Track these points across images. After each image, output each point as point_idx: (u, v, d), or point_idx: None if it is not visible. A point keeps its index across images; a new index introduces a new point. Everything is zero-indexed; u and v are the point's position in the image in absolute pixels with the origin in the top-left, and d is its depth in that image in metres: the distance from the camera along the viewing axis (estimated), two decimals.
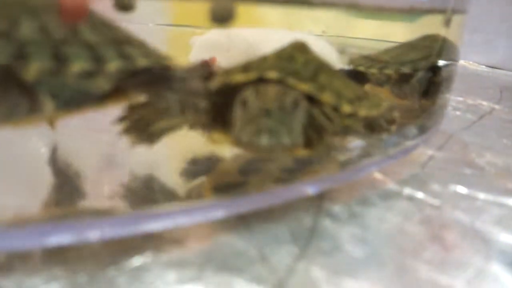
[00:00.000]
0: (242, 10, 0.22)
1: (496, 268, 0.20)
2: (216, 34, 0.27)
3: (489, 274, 0.20)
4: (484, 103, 0.48)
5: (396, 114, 0.26)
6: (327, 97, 0.21)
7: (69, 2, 0.15)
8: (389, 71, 0.31)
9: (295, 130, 0.20)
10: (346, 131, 0.23)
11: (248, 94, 0.20)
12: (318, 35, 0.32)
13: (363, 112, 0.23)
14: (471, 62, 0.68)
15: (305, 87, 0.21)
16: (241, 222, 0.21)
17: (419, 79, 0.30)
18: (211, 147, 0.23)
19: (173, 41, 0.42)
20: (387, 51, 0.32)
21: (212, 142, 0.22)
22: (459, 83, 0.52)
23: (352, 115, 0.23)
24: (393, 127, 0.25)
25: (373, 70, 0.31)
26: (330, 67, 0.24)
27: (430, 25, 0.30)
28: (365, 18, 0.31)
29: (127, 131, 0.22)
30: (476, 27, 0.67)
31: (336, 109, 0.22)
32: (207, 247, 0.19)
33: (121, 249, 0.19)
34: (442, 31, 0.29)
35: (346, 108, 0.22)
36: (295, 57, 0.22)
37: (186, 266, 0.18)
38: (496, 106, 0.47)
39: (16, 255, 0.18)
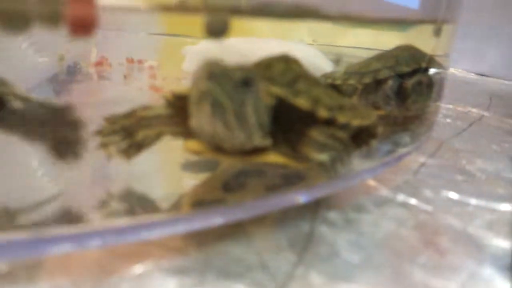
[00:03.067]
0: (235, 21, 0.22)
1: (489, 272, 0.21)
2: (209, 44, 0.28)
3: (482, 277, 0.20)
4: (474, 110, 0.48)
5: (379, 129, 0.26)
6: (301, 102, 0.22)
7: (77, 16, 0.15)
8: (351, 82, 0.31)
9: (244, 108, 0.20)
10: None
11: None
12: (309, 44, 0.33)
13: (342, 119, 0.23)
14: (460, 70, 0.69)
15: (278, 90, 0.21)
16: (239, 230, 0.22)
17: (390, 87, 0.30)
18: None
19: (165, 50, 0.42)
20: (359, 62, 0.33)
21: (187, 150, 0.22)
22: (449, 91, 0.53)
23: (345, 126, 0.23)
24: (374, 142, 0.26)
25: (338, 82, 0.32)
26: (314, 78, 0.24)
27: (420, 35, 0.30)
28: (357, 27, 0.31)
29: (105, 145, 0.22)
30: (465, 35, 0.68)
31: (330, 122, 0.22)
32: (206, 254, 0.20)
33: (123, 257, 0.19)
34: (432, 41, 0.30)
35: (323, 113, 0.22)
36: (274, 65, 0.23)
37: (187, 273, 0.18)
38: (486, 113, 0.48)
39: (19, 264, 0.18)
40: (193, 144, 0.21)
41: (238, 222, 0.22)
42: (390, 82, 0.31)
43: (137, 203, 0.22)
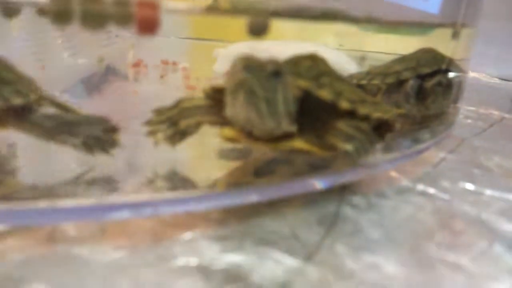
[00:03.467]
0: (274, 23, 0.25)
1: (498, 250, 0.23)
2: (239, 47, 0.30)
3: (492, 254, 0.23)
4: (495, 112, 0.50)
5: (397, 124, 0.28)
6: (324, 93, 0.24)
7: (143, 17, 0.18)
8: (375, 82, 0.34)
9: (277, 104, 0.22)
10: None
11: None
12: (336, 48, 0.35)
13: (363, 110, 0.25)
14: (484, 75, 0.70)
15: (303, 83, 0.24)
16: (274, 209, 0.24)
17: (411, 87, 0.33)
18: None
19: (194, 54, 0.45)
20: (382, 64, 0.35)
21: (223, 137, 0.25)
22: (472, 94, 0.55)
23: (366, 118, 0.26)
24: (390, 136, 0.28)
25: (363, 82, 0.34)
26: (338, 75, 0.26)
27: (439, 39, 0.33)
28: (381, 33, 0.34)
29: (153, 133, 0.26)
30: (489, 41, 0.70)
31: (353, 113, 0.25)
32: (245, 226, 0.22)
33: (173, 226, 0.22)
34: (450, 44, 0.32)
35: (344, 105, 0.24)
36: (301, 62, 0.25)
37: (229, 239, 0.21)
38: (507, 115, 0.49)
39: (85, 227, 0.21)
40: (228, 132, 0.24)
41: (272, 203, 0.24)
42: (411, 82, 0.33)
43: (179, 182, 0.25)
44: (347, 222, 0.24)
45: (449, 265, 0.21)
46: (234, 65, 0.21)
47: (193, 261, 0.20)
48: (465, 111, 0.49)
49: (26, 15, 0.35)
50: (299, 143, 0.24)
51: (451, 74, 0.35)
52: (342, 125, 0.25)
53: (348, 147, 0.24)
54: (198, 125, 0.26)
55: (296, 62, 0.25)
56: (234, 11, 0.24)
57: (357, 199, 0.27)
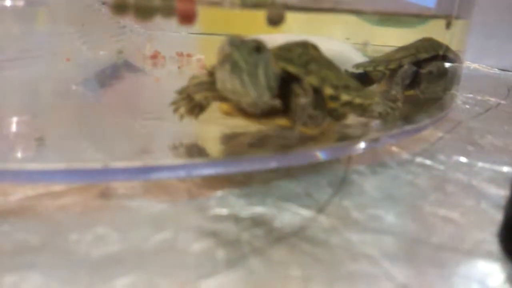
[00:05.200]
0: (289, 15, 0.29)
1: (484, 206, 0.27)
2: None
3: (479, 210, 0.26)
4: (492, 99, 0.54)
5: (394, 92, 0.32)
6: (311, 79, 0.28)
7: (183, 9, 0.23)
8: (380, 68, 0.38)
9: (259, 74, 0.25)
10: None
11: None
12: (343, 41, 0.39)
13: (345, 97, 0.29)
14: (484, 66, 0.74)
15: (292, 68, 0.27)
16: (289, 174, 0.28)
17: (404, 72, 0.37)
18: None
19: (205, 47, 0.49)
20: (386, 53, 0.39)
21: (220, 111, 0.29)
22: (471, 83, 0.58)
23: (348, 103, 0.29)
24: (399, 103, 0.32)
25: (369, 69, 0.38)
26: (327, 60, 0.30)
27: (434, 29, 0.37)
28: (384, 27, 0.38)
29: (176, 109, 0.29)
30: (490, 35, 0.73)
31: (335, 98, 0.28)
32: (265, 187, 0.26)
33: (204, 187, 0.26)
34: (445, 35, 0.36)
35: (328, 91, 0.28)
36: (293, 49, 0.29)
37: (252, 196, 0.25)
38: (503, 102, 0.53)
39: (131, 187, 0.25)
40: (224, 106, 0.28)
41: (288, 169, 0.28)
42: (406, 67, 0.37)
43: (194, 150, 0.29)
44: (353, 185, 0.28)
45: (440, 218, 0.25)
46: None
47: (224, 211, 0.23)
48: (464, 98, 0.53)
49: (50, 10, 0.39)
50: (283, 121, 0.28)
51: (447, 64, 0.39)
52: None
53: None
54: (207, 99, 0.29)
55: (288, 49, 0.29)
56: (254, 5, 0.28)
57: (362, 168, 0.30)
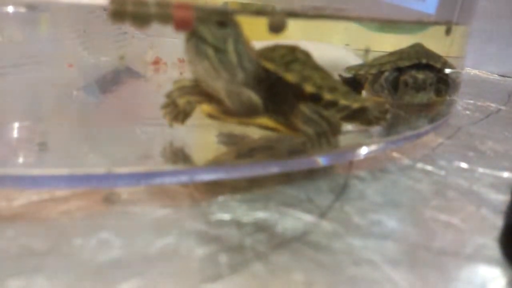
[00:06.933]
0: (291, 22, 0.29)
1: (485, 212, 0.27)
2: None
3: (479, 215, 0.26)
4: (492, 105, 0.54)
5: (387, 106, 0.32)
6: (290, 77, 0.27)
7: (179, 16, 0.23)
8: (362, 72, 0.38)
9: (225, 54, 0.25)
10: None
11: None
12: (342, 47, 0.39)
13: (328, 96, 0.28)
14: (484, 72, 0.74)
15: (271, 66, 0.27)
16: (291, 179, 0.28)
17: (385, 78, 0.37)
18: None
19: None
20: (376, 58, 0.40)
21: (203, 113, 0.29)
22: (471, 89, 0.59)
23: (333, 104, 0.28)
24: (387, 115, 0.32)
25: (353, 72, 0.38)
26: (317, 66, 0.29)
27: (434, 35, 0.37)
28: (382, 32, 0.38)
29: (164, 115, 0.29)
30: (490, 41, 0.74)
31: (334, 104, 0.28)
32: (267, 192, 0.27)
33: (206, 193, 0.26)
34: (445, 40, 0.36)
35: (309, 88, 0.27)
36: (277, 49, 0.28)
37: (255, 201, 0.25)
38: (503, 107, 0.53)
39: (135, 192, 0.25)
40: (206, 108, 0.28)
41: (290, 174, 0.28)
42: (386, 74, 0.37)
43: (181, 157, 0.29)
44: (354, 190, 0.28)
45: (441, 223, 0.25)
46: None
47: (226, 216, 0.24)
48: (464, 104, 0.53)
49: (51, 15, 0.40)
50: (266, 121, 0.28)
51: (442, 70, 0.39)
52: (303, 107, 0.28)
53: (308, 129, 0.28)
54: (190, 104, 0.28)
55: (272, 49, 0.28)
56: (256, 12, 0.28)
57: (363, 173, 0.31)
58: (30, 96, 0.37)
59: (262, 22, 0.28)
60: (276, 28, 0.28)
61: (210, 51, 0.25)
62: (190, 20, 0.24)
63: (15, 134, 0.30)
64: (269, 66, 0.27)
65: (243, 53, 0.26)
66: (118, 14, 0.23)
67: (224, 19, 0.25)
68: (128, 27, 0.46)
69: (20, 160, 0.27)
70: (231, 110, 0.27)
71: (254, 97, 0.26)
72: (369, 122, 0.32)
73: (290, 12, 0.27)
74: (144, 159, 0.28)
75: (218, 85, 0.26)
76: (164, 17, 0.24)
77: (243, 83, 0.26)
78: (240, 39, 0.25)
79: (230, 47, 0.25)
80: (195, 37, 0.24)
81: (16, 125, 0.32)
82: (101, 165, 0.24)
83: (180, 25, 0.24)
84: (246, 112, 0.27)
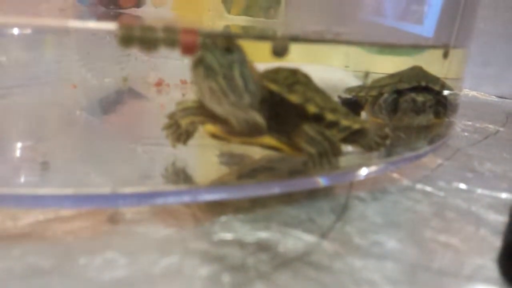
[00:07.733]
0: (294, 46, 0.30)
1: (484, 233, 0.27)
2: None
3: (478, 236, 0.27)
4: (491, 126, 0.55)
5: (387, 130, 0.33)
6: (294, 98, 0.28)
7: (185, 41, 0.24)
8: (362, 94, 0.39)
9: (233, 77, 0.25)
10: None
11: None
12: (342, 69, 0.40)
13: (330, 117, 0.28)
14: (482, 93, 0.75)
15: (275, 87, 0.28)
16: (292, 200, 0.29)
17: (384, 100, 0.38)
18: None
19: None
20: (377, 79, 0.40)
21: (206, 133, 0.29)
22: (470, 111, 0.60)
23: (334, 125, 0.29)
24: (387, 141, 0.32)
25: (353, 93, 0.39)
26: (318, 88, 0.30)
27: (431, 58, 0.38)
28: (381, 55, 0.39)
29: (167, 136, 0.30)
30: (487, 62, 0.75)
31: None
32: (269, 212, 0.27)
33: (209, 213, 0.26)
34: (442, 63, 0.37)
35: (312, 109, 0.28)
36: (280, 71, 0.29)
37: (257, 222, 0.26)
38: (501, 129, 0.54)
39: (138, 212, 0.26)
40: (209, 128, 0.29)
41: (291, 195, 0.29)
42: (385, 96, 0.38)
43: (183, 177, 0.30)
44: (355, 210, 0.28)
45: (440, 243, 0.25)
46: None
47: (229, 236, 0.24)
48: (463, 125, 0.53)
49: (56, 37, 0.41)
50: (269, 140, 0.28)
51: (441, 92, 0.40)
52: (307, 127, 0.28)
53: (311, 149, 0.28)
54: (193, 124, 0.29)
55: (275, 71, 0.29)
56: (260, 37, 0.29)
57: (363, 194, 0.31)
58: (34, 116, 0.38)
59: (264, 46, 0.29)
60: (280, 52, 0.28)
61: (218, 78, 0.25)
62: (196, 44, 0.25)
63: (18, 153, 0.31)
64: (273, 87, 0.28)
65: (248, 76, 0.26)
66: (126, 39, 0.24)
67: (230, 45, 0.25)
68: (131, 49, 0.46)
69: (22, 179, 0.27)
70: (235, 130, 0.28)
71: (259, 118, 0.27)
72: (369, 147, 0.32)
73: (293, 37, 0.28)
74: (146, 179, 0.28)
75: (225, 108, 0.26)
76: (171, 42, 0.25)
77: (249, 105, 0.27)
78: (244, 63, 0.26)
79: (236, 71, 0.26)
80: (202, 64, 0.25)
81: (19, 144, 0.32)
82: (105, 185, 0.25)
83: (186, 49, 0.25)
84: (250, 132, 0.28)
